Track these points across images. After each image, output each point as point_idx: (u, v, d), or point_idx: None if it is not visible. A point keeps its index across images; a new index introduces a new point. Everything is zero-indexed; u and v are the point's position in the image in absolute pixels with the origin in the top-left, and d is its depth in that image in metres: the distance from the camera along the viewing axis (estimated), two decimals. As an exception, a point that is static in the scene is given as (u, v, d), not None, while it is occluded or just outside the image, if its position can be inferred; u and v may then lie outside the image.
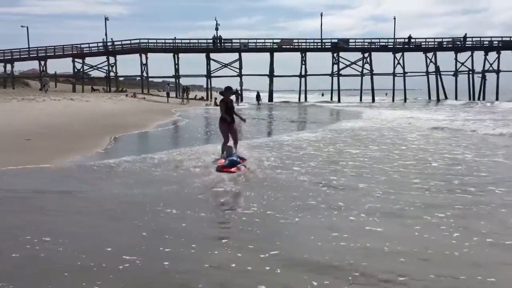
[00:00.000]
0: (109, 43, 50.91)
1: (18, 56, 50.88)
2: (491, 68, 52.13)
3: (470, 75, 52.80)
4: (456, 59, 52.11)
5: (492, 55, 51.69)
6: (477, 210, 5.67)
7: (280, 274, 3.76)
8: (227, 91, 10.13)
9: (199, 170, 8.39)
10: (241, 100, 44.71)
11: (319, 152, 10.81)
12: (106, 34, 52.63)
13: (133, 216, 5.44)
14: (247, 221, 5.23)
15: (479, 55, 51.94)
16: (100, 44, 50.97)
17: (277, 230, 4.91)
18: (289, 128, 19.23)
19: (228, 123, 9.86)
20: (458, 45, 51.84)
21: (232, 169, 8.04)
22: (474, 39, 52.41)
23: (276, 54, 50.74)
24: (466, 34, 52.13)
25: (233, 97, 10.72)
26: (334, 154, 10.68)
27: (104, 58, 50.72)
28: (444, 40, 53.15)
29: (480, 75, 52.72)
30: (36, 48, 50.86)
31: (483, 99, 51.21)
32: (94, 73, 54.66)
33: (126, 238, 4.70)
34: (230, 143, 9.77)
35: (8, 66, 50.70)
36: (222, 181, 7.41)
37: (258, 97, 47.08)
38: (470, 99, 51.32)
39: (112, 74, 51.47)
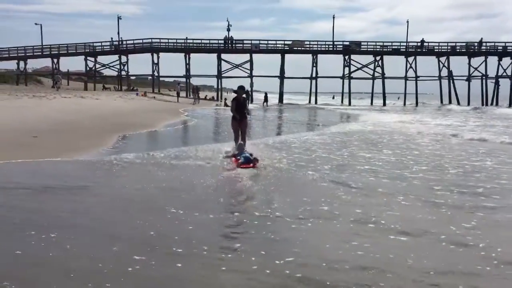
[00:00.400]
0: (116, 42, 50.99)
1: (32, 54, 51.26)
2: (504, 74, 51.41)
3: (483, 81, 52.13)
4: (469, 64, 51.46)
5: (506, 61, 50.98)
6: (501, 220, 5.41)
7: (301, 280, 3.57)
8: (240, 89, 10.65)
9: (212, 169, 8.41)
10: (251, 102, 44.53)
11: (332, 156, 10.56)
12: (118, 33, 52.77)
13: (145, 215, 5.26)
14: (262, 225, 5.00)
15: (493, 60, 51.29)
16: (109, 43, 51.08)
17: (292, 236, 4.67)
18: (299, 130, 18.96)
19: (238, 120, 10.39)
20: (471, 50, 51.18)
21: (250, 165, 8.37)
22: (488, 44, 51.70)
23: (287, 56, 50.44)
24: (482, 38, 51.45)
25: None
26: (348, 157, 10.41)
27: (116, 57, 50.93)
28: (457, 44, 52.50)
29: (494, 80, 52.01)
30: (49, 46, 51.20)
31: (496, 104, 50.55)
32: (106, 72, 54.96)
33: (136, 237, 4.52)
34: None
35: (22, 63, 51.14)
36: (236, 181, 7.31)
37: (265, 98, 46.76)
38: (482, 104, 50.63)
39: (123, 73, 51.68)
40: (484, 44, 51.31)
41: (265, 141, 13.11)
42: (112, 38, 51.41)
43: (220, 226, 5.05)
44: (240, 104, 10.51)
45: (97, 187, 6.80)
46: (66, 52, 50.91)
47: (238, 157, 8.75)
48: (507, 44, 51.32)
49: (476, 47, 50.99)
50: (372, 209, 5.72)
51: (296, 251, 4.21)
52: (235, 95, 10.70)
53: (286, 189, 6.90)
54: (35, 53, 51.37)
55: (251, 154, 8.88)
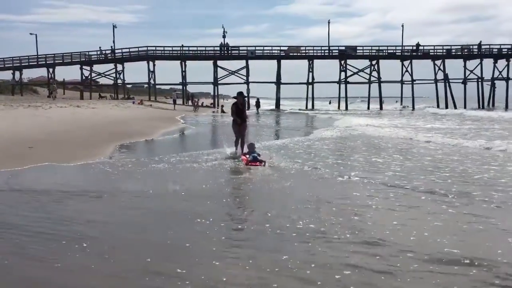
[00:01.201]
0: (107, 51, 50.91)
1: (27, 63, 51.18)
2: (500, 76, 51.66)
3: (479, 83, 52.34)
4: (465, 66, 51.70)
5: (502, 63, 51.31)
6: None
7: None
8: (239, 95, 11.32)
9: (223, 170, 8.82)
10: (248, 108, 44.42)
11: (349, 162, 10.36)
12: (114, 42, 53.10)
13: (164, 226, 5.14)
14: (292, 239, 4.70)
15: (488, 62, 51.59)
16: (98, 52, 50.99)
17: (334, 255, 4.28)
18: (301, 134, 18.84)
19: (239, 123, 11.03)
20: (469, 52, 51.43)
21: (257, 163, 9.01)
22: (483, 46, 52.00)
23: (283, 62, 50.66)
24: (480, 41, 51.69)
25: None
26: (363, 162, 10.15)
27: (112, 65, 50.87)
28: (452, 47, 52.78)
29: (490, 82, 52.26)
30: (44, 56, 51.12)
31: (493, 106, 50.81)
32: (102, 80, 54.89)
33: (156, 249, 4.36)
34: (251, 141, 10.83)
35: (17, 73, 50.99)
36: (251, 187, 7.43)
37: (257, 104, 46.61)
38: (479, 107, 50.89)
39: (119, 81, 51.62)
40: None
41: (265, 145, 13.16)
42: (100, 47, 51.42)
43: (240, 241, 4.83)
44: (240, 109, 11.15)
45: (97, 193, 6.68)
46: (61, 61, 50.89)
47: (248, 155, 9.45)
48: (502, 46, 51.67)
49: (475, 50, 51.16)
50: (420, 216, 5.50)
51: (340, 271, 3.89)
52: (235, 100, 11.39)
53: (323, 202, 6.58)
54: (30, 63, 51.30)
55: (258, 154, 9.50)
